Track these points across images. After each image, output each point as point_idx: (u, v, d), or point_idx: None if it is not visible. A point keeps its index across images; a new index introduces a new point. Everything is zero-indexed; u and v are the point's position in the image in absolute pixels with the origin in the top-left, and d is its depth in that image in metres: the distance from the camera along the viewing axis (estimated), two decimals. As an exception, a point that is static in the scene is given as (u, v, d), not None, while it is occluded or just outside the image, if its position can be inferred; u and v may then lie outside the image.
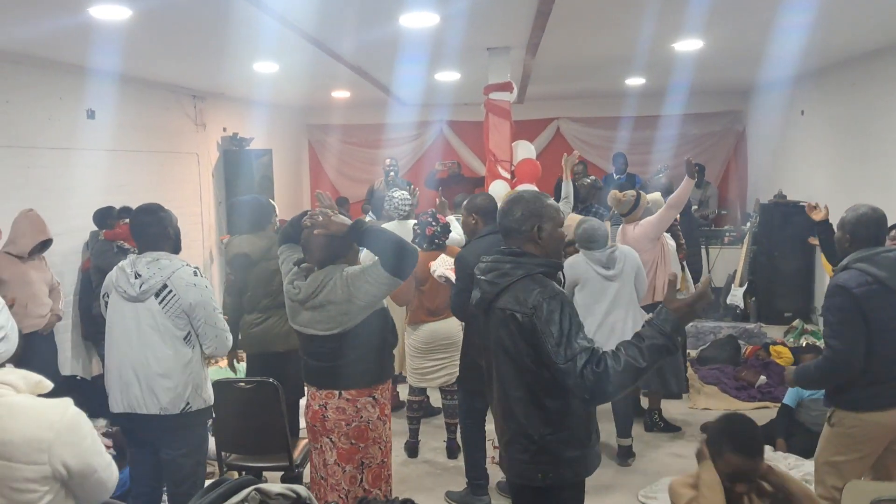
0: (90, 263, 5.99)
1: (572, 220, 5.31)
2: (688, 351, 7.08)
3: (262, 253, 4.52)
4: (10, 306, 2.23)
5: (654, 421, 5.57)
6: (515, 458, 2.65)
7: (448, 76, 7.43)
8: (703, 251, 8.67)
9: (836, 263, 3.44)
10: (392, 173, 8.29)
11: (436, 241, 4.80)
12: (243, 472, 3.96)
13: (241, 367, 5.11)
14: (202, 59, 6.20)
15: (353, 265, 3.22)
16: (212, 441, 4.27)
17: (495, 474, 4.48)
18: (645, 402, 5.71)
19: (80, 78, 6.18)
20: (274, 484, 2.28)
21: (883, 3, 4.78)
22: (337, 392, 3.19)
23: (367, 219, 7.04)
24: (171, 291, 3.29)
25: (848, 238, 3.28)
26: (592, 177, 7.15)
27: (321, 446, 3.26)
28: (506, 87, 5.95)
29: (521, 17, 4.87)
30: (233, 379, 4.15)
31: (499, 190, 5.70)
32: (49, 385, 2.05)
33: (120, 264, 3.42)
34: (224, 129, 8.92)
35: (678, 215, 5.67)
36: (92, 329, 6.02)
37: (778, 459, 4.75)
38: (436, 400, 5.73)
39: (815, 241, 6.39)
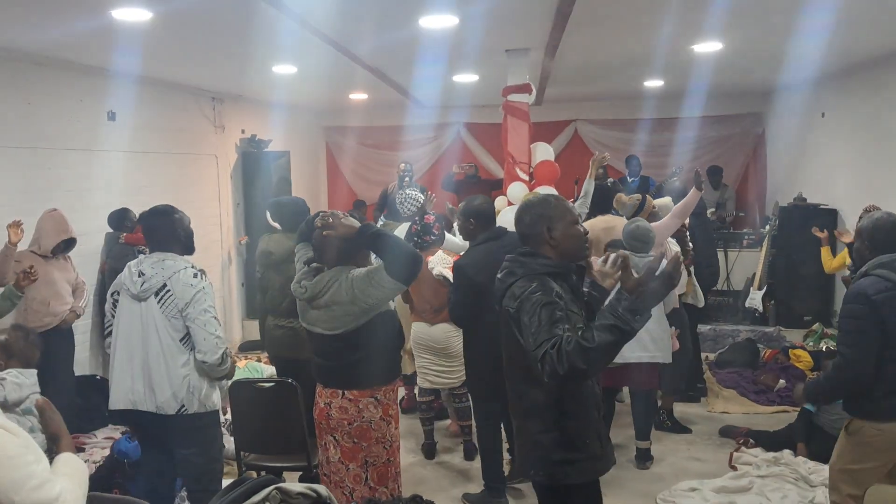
0: (107, 266, 6.03)
1: (598, 223, 5.29)
2: (705, 354, 7.05)
3: (286, 254, 4.53)
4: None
5: (663, 420, 5.55)
6: (519, 451, 2.80)
7: (466, 78, 7.43)
8: (722, 254, 8.62)
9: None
10: (406, 178, 8.30)
11: (415, 240, 4.75)
12: (262, 472, 3.98)
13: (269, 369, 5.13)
14: (222, 61, 6.24)
15: (361, 267, 3.26)
16: (230, 440, 4.30)
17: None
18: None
19: (101, 80, 6.23)
20: (294, 483, 2.29)
21: (906, 5, 4.74)
22: (340, 392, 3.24)
23: (381, 222, 7.07)
24: (168, 291, 3.34)
25: (867, 245, 3.25)
26: (611, 179, 7.12)
27: (325, 443, 3.31)
28: (524, 88, 5.94)
29: (541, 18, 4.86)
30: (252, 379, 4.18)
31: (517, 192, 5.70)
32: None
33: (128, 263, 3.49)
34: (242, 131, 8.97)
35: (688, 219, 5.66)
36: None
37: (798, 464, 4.72)
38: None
39: (819, 232, 6.32)
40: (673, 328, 5.00)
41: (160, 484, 3.62)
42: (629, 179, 9.08)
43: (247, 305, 8.89)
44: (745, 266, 8.70)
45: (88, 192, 6.13)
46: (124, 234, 5.93)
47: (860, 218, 3.62)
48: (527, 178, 5.82)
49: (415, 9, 4.49)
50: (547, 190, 5.45)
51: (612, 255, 2.50)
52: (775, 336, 7.53)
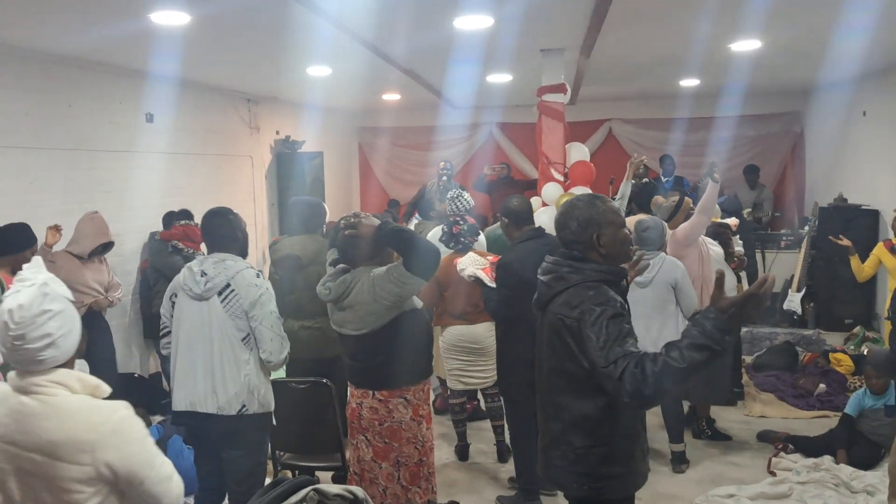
0: (147, 262, 6.14)
1: (632, 222, 5.24)
2: (742, 357, 6.94)
3: (313, 256, 4.55)
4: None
5: (702, 428, 5.46)
6: (555, 462, 2.63)
7: (500, 78, 7.40)
8: (759, 255, 8.48)
9: None
10: (445, 177, 8.31)
11: (461, 241, 4.77)
12: (297, 472, 4.01)
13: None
14: (257, 63, 6.29)
15: (385, 265, 3.26)
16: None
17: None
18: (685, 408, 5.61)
19: (140, 82, 6.32)
20: (331, 485, 2.30)
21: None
22: (371, 392, 3.25)
23: (416, 221, 7.08)
24: (233, 291, 3.35)
25: None
26: (646, 178, 7.04)
27: (357, 443, 3.33)
28: (559, 88, 5.90)
29: (577, 18, 4.82)
30: (287, 379, 4.20)
31: (552, 193, 5.66)
32: (107, 390, 2.04)
33: (188, 265, 3.51)
34: (277, 133, 9.05)
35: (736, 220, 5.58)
36: (150, 328, 6.16)
37: (838, 470, 4.62)
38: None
39: (842, 241, 6.21)
40: None
41: (213, 485, 3.63)
42: (663, 179, 8.99)
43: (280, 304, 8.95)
44: (782, 267, 8.55)
45: (127, 193, 6.23)
46: (161, 231, 6.04)
47: None
48: (562, 178, 5.79)
49: (450, 10, 4.48)
50: (582, 190, 5.41)
51: (716, 277, 2.24)
52: (815, 339, 7.39)
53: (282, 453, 4.08)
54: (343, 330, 3.27)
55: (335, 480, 3.98)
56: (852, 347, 7.19)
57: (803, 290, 8.01)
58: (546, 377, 2.64)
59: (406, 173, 11.38)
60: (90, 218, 5.23)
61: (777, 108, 10.09)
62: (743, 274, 5.83)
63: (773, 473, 4.81)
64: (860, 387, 5.34)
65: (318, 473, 4.02)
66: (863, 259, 6.11)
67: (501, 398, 4.68)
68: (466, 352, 4.82)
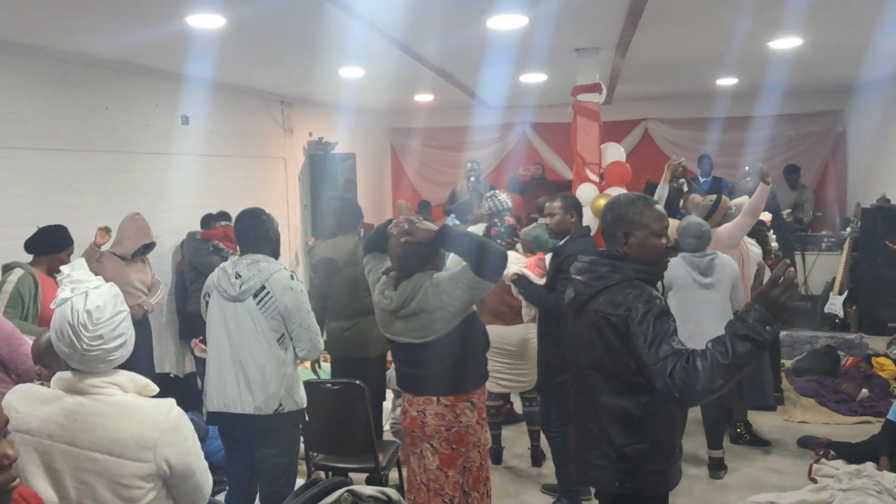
0: (184, 261, 6.21)
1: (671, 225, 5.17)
2: (782, 361, 6.80)
3: (348, 258, 4.53)
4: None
5: (740, 433, 5.35)
6: (594, 462, 2.62)
7: (534, 78, 7.35)
8: (799, 257, 8.32)
9: None
10: (472, 177, 8.27)
11: (499, 243, 4.70)
12: (330, 473, 4.01)
13: (325, 367, 5.18)
14: (291, 65, 6.33)
15: (439, 271, 3.20)
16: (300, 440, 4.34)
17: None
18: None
19: (176, 85, 6.40)
20: (366, 486, 2.28)
21: None
22: (435, 398, 3.17)
23: (450, 222, 7.05)
24: (268, 293, 3.35)
25: None
26: (682, 180, 6.93)
27: (421, 451, 3.23)
28: (594, 88, 5.83)
29: (612, 17, 4.76)
30: (320, 380, 4.20)
31: (587, 194, 5.60)
32: (155, 389, 2.12)
33: (221, 265, 3.52)
34: (310, 134, 9.09)
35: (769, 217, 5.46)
36: (186, 328, 6.23)
37: (881, 476, 4.50)
38: (519, 406, 5.67)
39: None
40: None
41: (246, 484, 3.65)
42: (701, 179, 8.85)
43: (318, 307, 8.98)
44: (823, 270, 8.39)
45: (162, 194, 6.30)
46: (201, 231, 6.11)
47: None
48: (597, 179, 5.71)
49: (484, 9, 4.45)
50: (618, 191, 5.34)
51: (756, 271, 2.32)
52: (857, 343, 7.21)
53: (315, 454, 4.08)
54: (402, 339, 3.16)
55: (368, 482, 3.97)
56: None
57: (845, 293, 7.84)
58: (584, 376, 2.63)
59: (438, 174, 11.37)
60: (132, 219, 5.32)
61: (818, 107, 9.89)
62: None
63: (814, 480, 4.69)
64: (904, 392, 5.20)
65: (350, 475, 4.02)
66: None
67: (539, 403, 4.62)
68: (503, 353, 4.76)
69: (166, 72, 6.17)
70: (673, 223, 5.38)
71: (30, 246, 4.50)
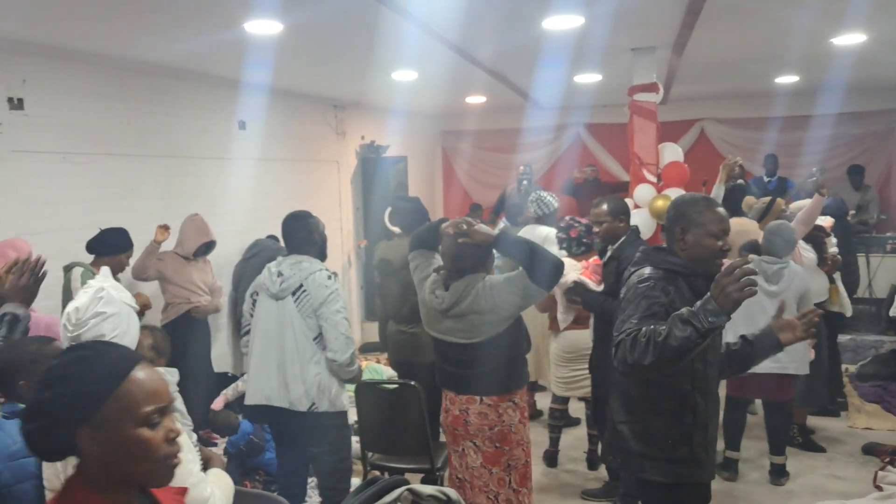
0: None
1: (732, 225, 5.06)
2: (845, 366, 6.62)
3: (404, 260, 4.55)
4: (142, 310, 2.35)
5: (793, 436, 5.21)
6: (632, 448, 2.70)
7: (588, 78, 7.28)
8: (864, 260, 8.07)
9: None
10: (525, 181, 8.22)
11: (584, 241, 4.64)
12: (386, 472, 4.03)
13: (377, 367, 5.22)
14: (345, 69, 6.39)
15: (489, 273, 3.24)
16: (355, 440, 4.39)
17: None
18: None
19: (233, 91, 6.51)
20: (425, 485, 2.28)
21: None
22: (478, 398, 3.22)
23: (501, 224, 7.03)
24: (305, 291, 3.48)
25: None
26: (740, 180, 6.79)
27: (463, 449, 3.30)
28: (651, 87, 5.75)
29: (670, 15, 4.69)
30: (376, 380, 4.24)
31: (645, 195, 5.52)
32: None
33: (268, 265, 3.65)
34: (362, 137, 9.17)
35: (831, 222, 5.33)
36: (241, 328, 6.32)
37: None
38: (574, 410, 5.63)
39: None
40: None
41: (293, 480, 3.73)
42: (766, 179, 8.65)
43: (366, 308, 9.06)
44: (889, 273, 8.11)
45: (220, 198, 6.41)
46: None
47: None
48: (654, 179, 5.62)
49: (539, 10, 4.43)
50: (676, 192, 5.26)
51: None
52: (924, 348, 6.97)
53: (371, 454, 4.12)
54: (449, 338, 3.21)
55: (424, 482, 3.98)
56: (966, 357, 6.75)
57: (913, 297, 7.57)
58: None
59: (489, 176, 11.32)
60: (191, 219, 5.45)
61: (883, 105, 9.56)
62: (837, 275, 5.54)
63: (879, 488, 4.54)
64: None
65: (406, 475, 4.03)
66: None
67: (593, 406, 4.57)
68: (583, 358, 4.59)
69: (224, 78, 6.29)
70: (748, 222, 5.29)
71: (91, 247, 4.64)
